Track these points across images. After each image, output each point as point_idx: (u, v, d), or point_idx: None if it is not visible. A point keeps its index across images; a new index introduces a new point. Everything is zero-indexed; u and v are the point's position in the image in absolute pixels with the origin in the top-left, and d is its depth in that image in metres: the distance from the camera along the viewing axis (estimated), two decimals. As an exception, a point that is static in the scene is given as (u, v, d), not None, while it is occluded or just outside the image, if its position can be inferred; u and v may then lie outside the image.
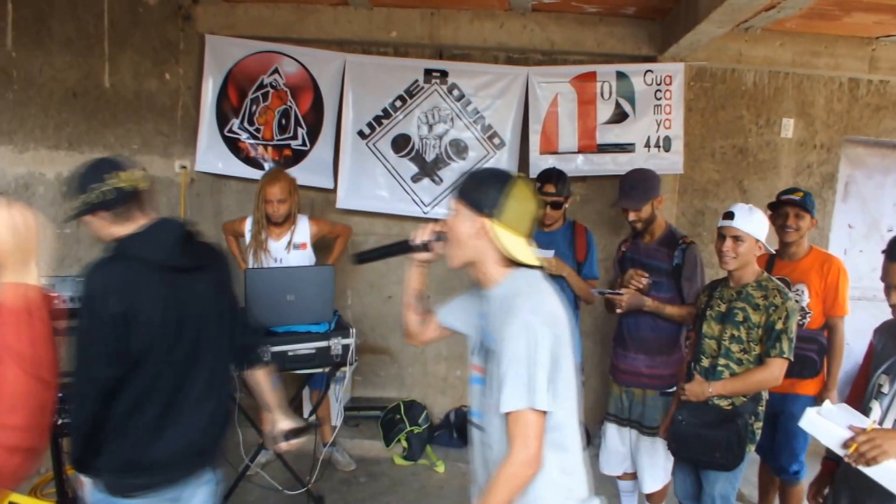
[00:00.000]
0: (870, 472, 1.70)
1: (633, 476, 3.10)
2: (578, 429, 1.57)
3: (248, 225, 3.42)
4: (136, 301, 1.55)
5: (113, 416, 1.61)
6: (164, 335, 1.60)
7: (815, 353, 2.81)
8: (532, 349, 1.41)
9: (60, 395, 2.66)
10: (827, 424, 1.81)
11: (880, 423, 1.79)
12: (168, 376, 1.63)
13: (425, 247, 1.63)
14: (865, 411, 1.88)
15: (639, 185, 2.84)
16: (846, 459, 1.75)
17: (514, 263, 1.53)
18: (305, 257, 3.42)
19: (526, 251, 1.53)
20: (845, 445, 1.74)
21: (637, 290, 2.80)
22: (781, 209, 2.91)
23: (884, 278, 1.86)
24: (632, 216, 2.85)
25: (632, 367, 2.91)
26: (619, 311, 2.85)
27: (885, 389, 1.86)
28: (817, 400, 2.80)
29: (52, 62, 3.82)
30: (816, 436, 1.84)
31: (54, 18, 3.78)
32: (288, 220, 3.35)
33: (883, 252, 1.84)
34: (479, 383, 1.59)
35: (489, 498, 1.43)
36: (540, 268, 1.57)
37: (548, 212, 3.12)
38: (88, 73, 3.86)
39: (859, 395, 1.98)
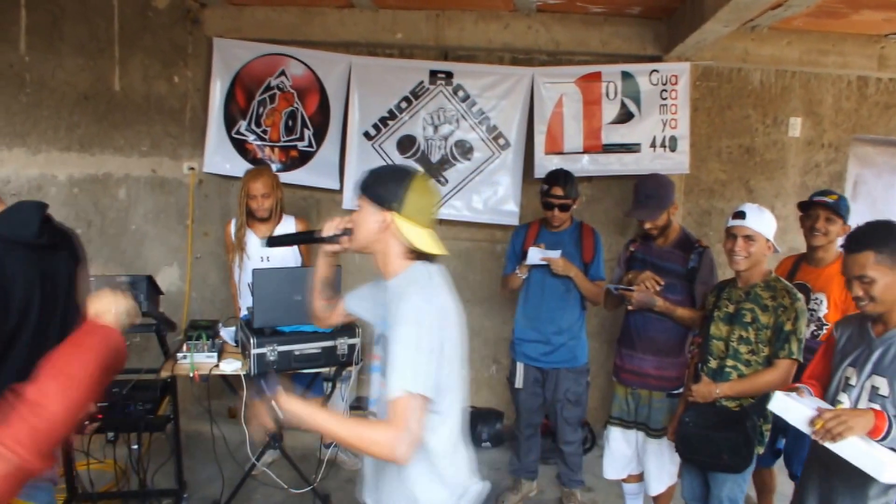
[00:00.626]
0: (836, 448, 1.72)
1: (638, 478, 3.09)
2: (460, 419, 1.66)
3: (232, 228, 3.43)
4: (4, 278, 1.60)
5: None
6: (28, 312, 1.66)
7: None
8: (419, 335, 1.46)
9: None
10: (795, 405, 1.85)
11: None
12: (22, 349, 1.67)
13: (332, 239, 1.72)
14: (834, 404, 1.91)
15: (654, 194, 2.81)
16: (813, 437, 1.77)
17: (418, 256, 1.60)
18: (290, 255, 3.42)
19: (429, 241, 1.60)
20: (812, 423, 1.75)
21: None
22: (812, 211, 2.79)
23: (843, 271, 1.88)
24: (648, 225, 2.84)
25: (638, 367, 2.90)
26: (629, 307, 2.84)
27: (853, 381, 1.89)
28: None
29: (64, 66, 3.88)
30: (785, 416, 1.88)
31: (66, 23, 3.85)
32: (272, 217, 3.37)
33: (841, 247, 1.86)
34: (377, 371, 1.66)
35: (346, 427, 1.47)
36: (434, 257, 1.64)
37: (556, 214, 3.12)
38: (99, 76, 3.93)
39: (820, 388, 2.02)
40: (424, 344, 1.46)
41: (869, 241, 1.80)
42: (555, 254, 3.07)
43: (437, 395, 1.50)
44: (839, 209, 2.75)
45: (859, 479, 1.76)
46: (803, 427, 1.80)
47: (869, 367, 1.85)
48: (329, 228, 1.72)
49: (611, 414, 3.05)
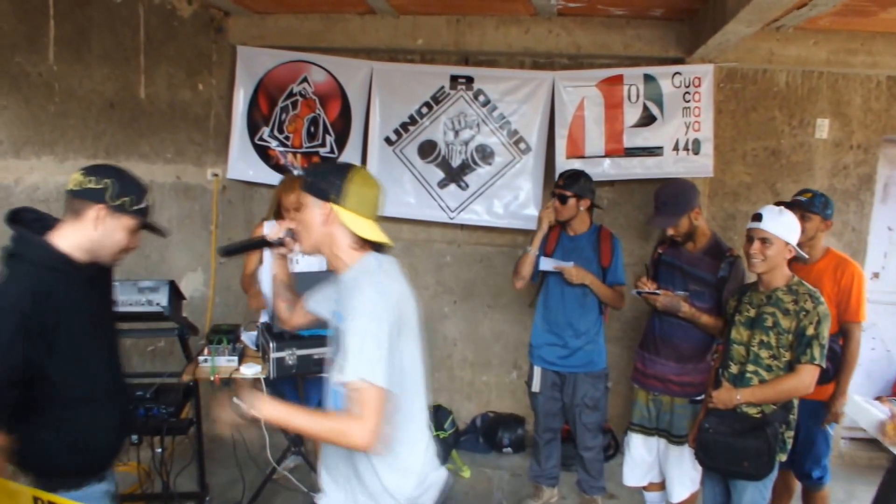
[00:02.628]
0: None
1: (660, 487, 3.05)
2: (423, 405, 1.70)
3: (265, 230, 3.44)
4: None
5: None
6: None
7: (827, 360, 2.61)
8: (374, 325, 1.49)
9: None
10: (867, 407, 1.83)
11: None
12: None
13: (281, 242, 1.80)
14: None
15: (671, 200, 2.80)
16: (883, 441, 1.71)
17: (367, 247, 1.64)
18: (318, 261, 3.42)
19: (374, 231, 1.63)
20: (881, 428, 1.71)
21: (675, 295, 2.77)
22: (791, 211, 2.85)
23: None
24: (670, 231, 2.82)
25: (661, 373, 2.87)
26: (658, 306, 2.82)
27: None
28: (828, 406, 2.71)
29: (91, 75, 3.96)
30: (856, 418, 1.86)
31: (93, 33, 3.94)
32: None
33: None
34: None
35: (316, 422, 1.54)
36: (383, 246, 1.66)
37: (555, 205, 3.15)
38: (125, 84, 4.00)
39: None
40: (382, 335, 1.49)
41: None
42: (567, 264, 3.06)
43: (393, 383, 1.52)
44: (812, 206, 2.83)
45: None
46: (873, 432, 1.76)
47: None
48: (276, 232, 1.79)
49: (631, 420, 3.03)
